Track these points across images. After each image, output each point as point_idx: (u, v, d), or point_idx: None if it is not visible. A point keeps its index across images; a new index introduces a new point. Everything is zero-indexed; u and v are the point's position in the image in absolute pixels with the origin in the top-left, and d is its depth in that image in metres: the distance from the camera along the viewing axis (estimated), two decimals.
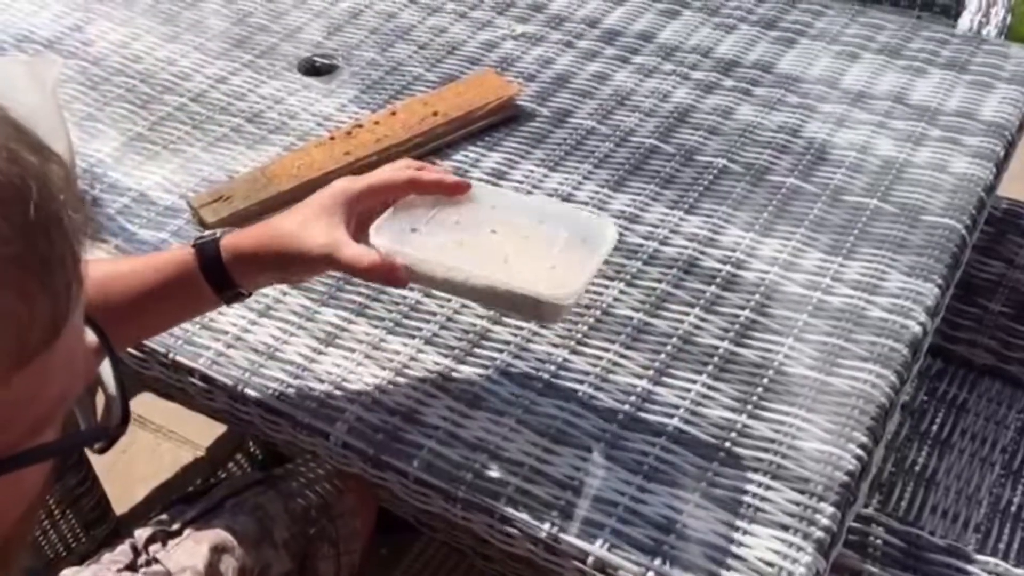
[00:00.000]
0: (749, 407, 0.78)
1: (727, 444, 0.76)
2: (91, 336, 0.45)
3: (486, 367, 0.82)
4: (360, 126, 1.04)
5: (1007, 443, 1.22)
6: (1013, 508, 1.15)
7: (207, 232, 0.74)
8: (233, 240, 0.72)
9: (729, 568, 0.68)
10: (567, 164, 1.03)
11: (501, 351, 0.83)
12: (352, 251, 0.69)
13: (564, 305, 0.70)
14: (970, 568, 0.90)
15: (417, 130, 1.03)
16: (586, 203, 0.98)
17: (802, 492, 0.72)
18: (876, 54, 1.18)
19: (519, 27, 1.23)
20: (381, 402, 0.79)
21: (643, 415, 0.78)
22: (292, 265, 0.72)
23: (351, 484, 0.83)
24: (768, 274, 0.90)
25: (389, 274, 0.70)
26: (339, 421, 0.78)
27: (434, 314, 0.87)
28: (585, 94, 1.12)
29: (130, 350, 0.85)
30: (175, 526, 0.76)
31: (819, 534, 0.70)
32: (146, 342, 0.83)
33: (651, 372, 0.81)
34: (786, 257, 0.91)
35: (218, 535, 0.75)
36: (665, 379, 0.81)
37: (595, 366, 0.82)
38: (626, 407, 0.79)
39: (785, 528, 0.70)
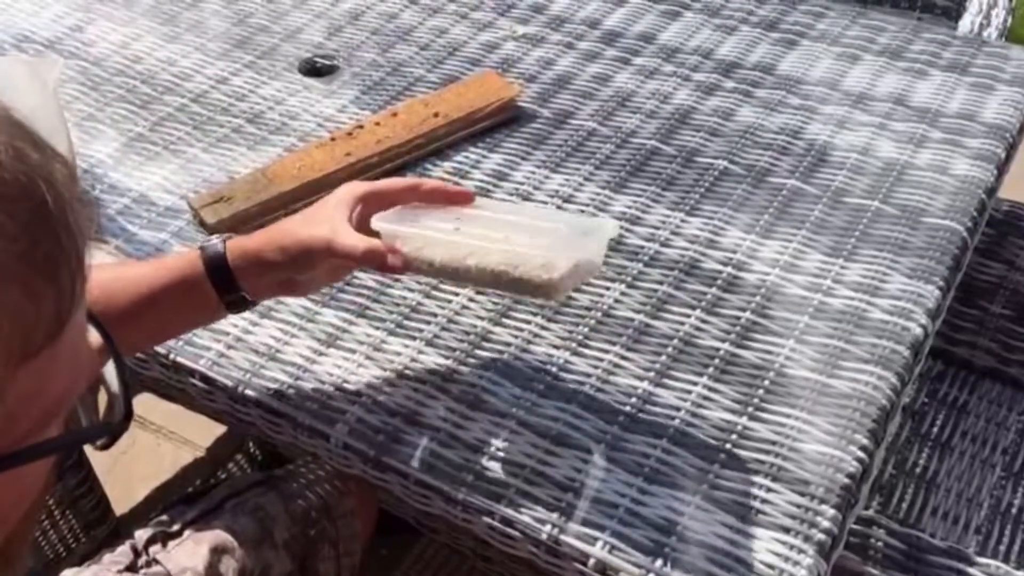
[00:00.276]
0: (750, 409, 0.78)
1: (728, 446, 0.76)
2: (95, 336, 0.45)
3: (487, 369, 0.82)
4: (361, 127, 1.04)
5: (1008, 445, 1.22)
6: (1014, 510, 1.15)
7: (213, 236, 0.75)
8: (238, 241, 0.73)
9: (730, 570, 0.68)
10: (568, 166, 1.03)
11: (502, 352, 0.83)
12: (351, 238, 0.70)
13: (562, 280, 0.68)
14: (971, 570, 0.90)
15: (418, 131, 1.03)
16: (587, 205, 0.98)
17: (803, 494, 0.72)
18: (877, 56, 1.18)
19: (520, 28, 1.23)
20: (382, 403, 0.79)
21: (644, 417, 0.78)
22: (296, 258, 0.72)
23: (352, 485, 0.83)
24: (769, 276, 0.90)
25: (387, 258, 0.70)
26: (340, 422, 0.78)
27: (435, 315, 0.87)
28: (586, 95, 1.12)
29: None
30: (175, 527, 0.76)
31: (820, 536, 0.70)
32: None
33: (652, 374, 0.81)
34: (787, 259, 0.91)
35: (218, 536, 0.75)
36: (666, 381, 0.81)
37: (596, 368, 0.82)
38: (627, 409, 0.78)
39: (786, 530, 0.70)
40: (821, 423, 0.77)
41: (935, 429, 1.24)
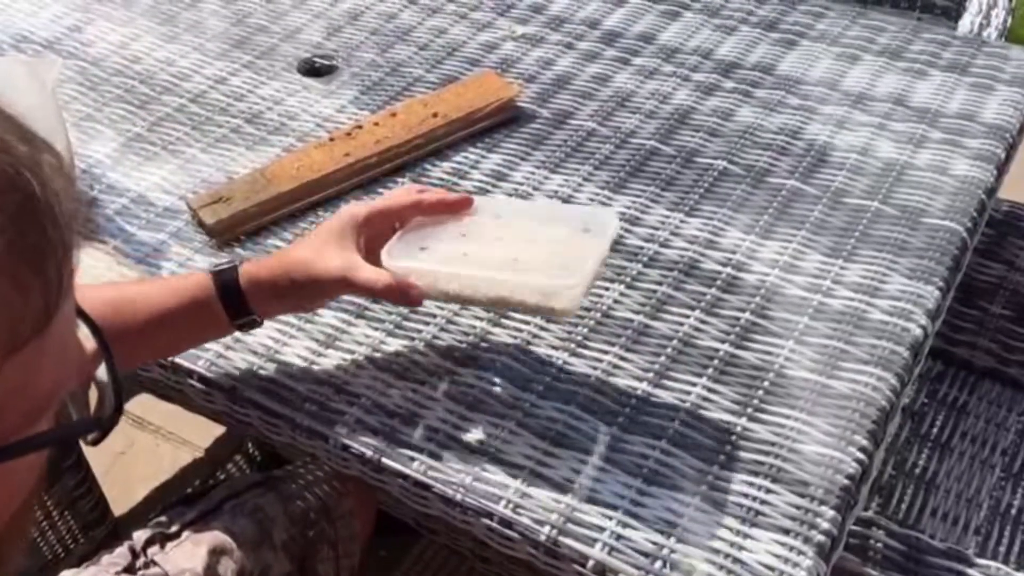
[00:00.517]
0: (749, 410, 0.78)
1: (727, 447, 0.76)
2: (89, 341, 0.45)
3: (486, 369, 0.82)
4: (360, 127, 1.04)
5: (1007, 446, 1.22)
6: (1013, 511, 1.15)
7: (225, 261, 0.76)
8: (251, 269, 0.75)
9: (729, 572, 0.68)
10: (567, 166, 1.02)
11: (501, 353, 0.83)
12: (367, 273, 0.72)
13: (574, 304, 0.72)
14: (970, 571, 0.90)
15: (417, 131, 1.03)
16: (586, 205, 0.97)
17: (802, 495, 0.72)
18: (877, 56, 1.18)
19: (519, 28, 1.23)
20: (381, 404, 0.79)
21: (643, 418, 0.78)
22: (308, 291, 0.75)
23: (350, 486, 0.83)
24: (769, 276, 0.90)
25: (404, 294, 0.72)
26: (338, 423, 0.78)
27: (434, 316, 0.86)
28: (585, 96, 1.12)
29: None
30: (174, 528, 0.76)
31: (819, 538, 0.70)
32: None
33: (651, 375, 0.81)
34: (786, 259, 0.91)
35: (217, 537, 0.75)
36: (665, 382, 0.81)
37: (595, 369, 0.82)
38: (626, 410, 0.78)
39: (786, 532, 0.70)
40: (820, 424, 0.77)
41: (935, 430, 1.24)
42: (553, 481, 0.73)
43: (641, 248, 0.93)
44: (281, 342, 0.85)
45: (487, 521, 0.72)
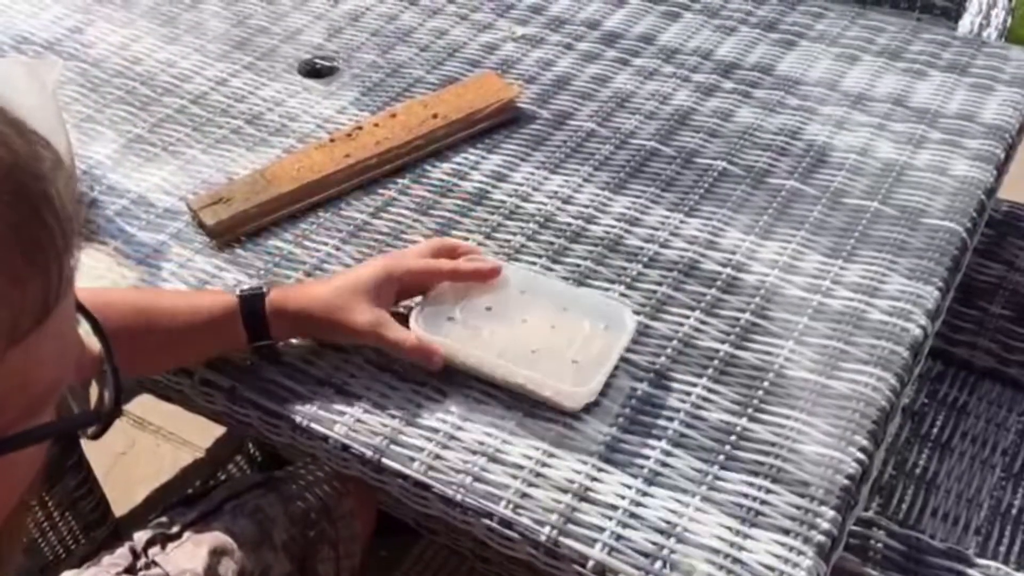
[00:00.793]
0: (749, 410, 0.78)
1: (727, 447, 0.76)
2: (90, 336, 0.45)
3: None
4: (360, 128, 1.04)
5: (1007, 446, 1.22)
6: (1014, 511, 1.15)
7: (251, 285, 0.81)
8: (278, 299, 0.79)
9: (730, 572, 0.68)
10: (567, 166, 1.03)
11: None
12: (397, 333, 0.78)
13: (584, 403, 0.78)
14: (971, 572, 0.90)
15: (417, 132, 1.03)
16: (586, 206, 0.98)
17: (803, 496, 0.72)
18: (876, 56, 1.18)
19: (519, 29, 1.23)
20: (381, 405, 0.79)
21: (643, 418, 0.78)
22: (329, 334, 0.81)
23: (351, 487, 0.83)
24: (768, 277, 0.90)
25: (428, 360, 0.78)
26: (339, 424, 0.78)
27: None
28: (585, 96, 1.12)
29: None
30: (174, 528, 0.76)
31: (820, 538, 0.70)
32: None
33: (651, 375, 0.81)
34: (786, 260, 0.91)
35: (217, 538, 0.75)
36: (665, 382, 0.81)
37: None
38: (626, 411, 0.78)
39: (786, 532, 0.70)
40: (820, 424, 0.77)
41: (935, 430, 1.24)
42: (553, 482, 0.73)
43: (641, 248, 0.93)
44: (281, 342, 0.85)
45: (487, 521, 0.72)
